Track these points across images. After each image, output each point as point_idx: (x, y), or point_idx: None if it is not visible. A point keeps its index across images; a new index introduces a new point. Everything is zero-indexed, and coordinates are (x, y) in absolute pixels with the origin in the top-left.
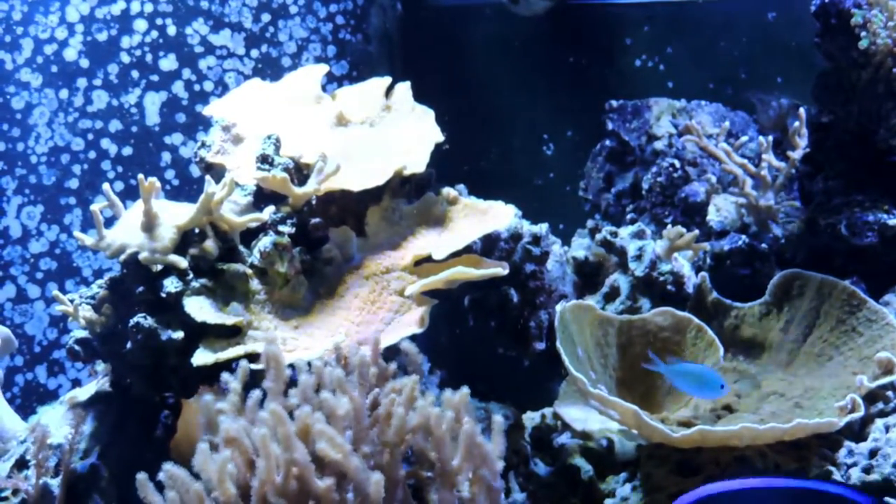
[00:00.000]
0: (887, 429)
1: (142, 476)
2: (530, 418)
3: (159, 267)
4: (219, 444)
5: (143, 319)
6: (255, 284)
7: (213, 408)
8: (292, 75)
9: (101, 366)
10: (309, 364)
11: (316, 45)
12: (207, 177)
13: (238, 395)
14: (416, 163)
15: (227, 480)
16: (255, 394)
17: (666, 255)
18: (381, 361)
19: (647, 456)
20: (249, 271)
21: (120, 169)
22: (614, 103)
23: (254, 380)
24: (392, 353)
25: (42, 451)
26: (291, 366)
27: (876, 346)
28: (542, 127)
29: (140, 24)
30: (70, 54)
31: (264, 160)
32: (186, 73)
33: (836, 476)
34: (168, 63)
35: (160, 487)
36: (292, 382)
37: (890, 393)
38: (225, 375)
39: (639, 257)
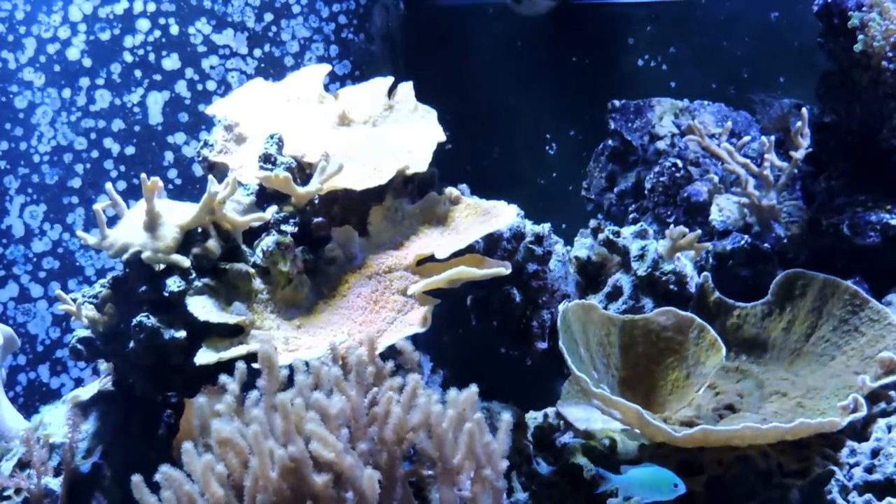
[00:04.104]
0: (890, 428)
1: (136, 478)
2: (533, 418)
3: (162, 266)
4: (213, 447)
5: (146, 318)
6: (257, 284)
7: (207, 410)
8: (295, 75)
9: (103, 365)
10: (307, 364)
11: (319, 45)
12: (210, 176)
13: (234, 397)
14: (419, 162)
15: (212, 483)
16: (253, 394)
17: (668, 255)
18: (378, 360)
19: (649, 455)
20: (252, 270)
21: (123, 168)
22: (617, 103)
23: (254, 380)
24: (395, 352)
25: (35, 452)
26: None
27: (878, 345)
28: (545, 126)
29: (143, 24)
30: (73, 53)
31: (267, 159)
32: (189, 72)
33: (839, 475)
34: (171, 62)
35: (160, 486)
36: (292, 383)
37: (892, 392)
38: (223, 377)
39: (641, 257)
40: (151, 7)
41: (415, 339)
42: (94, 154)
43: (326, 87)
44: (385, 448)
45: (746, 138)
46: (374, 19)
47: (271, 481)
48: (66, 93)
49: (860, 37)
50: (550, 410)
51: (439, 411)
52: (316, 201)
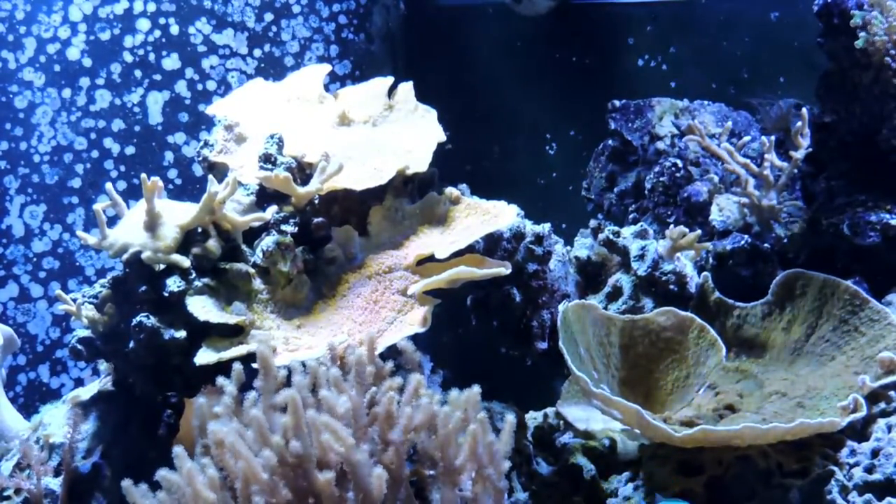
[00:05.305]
0: (890, 428)
1: (126, 482)
2: (533, 418)
3: (162, 266)
4: (211, 448)
5: (146, 319)
6: (257, 284)
7: (206, 411)
8: (295, 75)
9: (103, 365)
10: (304, 364)
11: (319, 45)
12: (210, 176)
13: (233, 398)
14: (419, 162)
15: (202, 488)
16: (251, 395)
17: (668, 255)
18: (377, 360)
19: (649, 455)
20: (252, 271)
21: (123, 168)
22: (617, 103)
23: (254, 380)
24: (394, 352)
25: (34, 454)
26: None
27: (878, 345)
28: (545, 126)
29: (143, 24)
30: (73, 53)
31: (267, 159)
32: (189, 72)
33: (839, 475)
34: (171, 62)
35: (160, 485)
36: (290, 384)
37: (892, 393)
38: (220, 379)
39: (641, 257)
40: (151, 7)
41: (415, 339)
42: (94, 154)
43: (326, 87)
44: (392, 447)
45: (746, 138)
46: (374, 19)
47: (263, 482)
48: (66, 93)
49: (862, 34)
50: (550, 410)
51: (446, 412)
52: (316, 201)
